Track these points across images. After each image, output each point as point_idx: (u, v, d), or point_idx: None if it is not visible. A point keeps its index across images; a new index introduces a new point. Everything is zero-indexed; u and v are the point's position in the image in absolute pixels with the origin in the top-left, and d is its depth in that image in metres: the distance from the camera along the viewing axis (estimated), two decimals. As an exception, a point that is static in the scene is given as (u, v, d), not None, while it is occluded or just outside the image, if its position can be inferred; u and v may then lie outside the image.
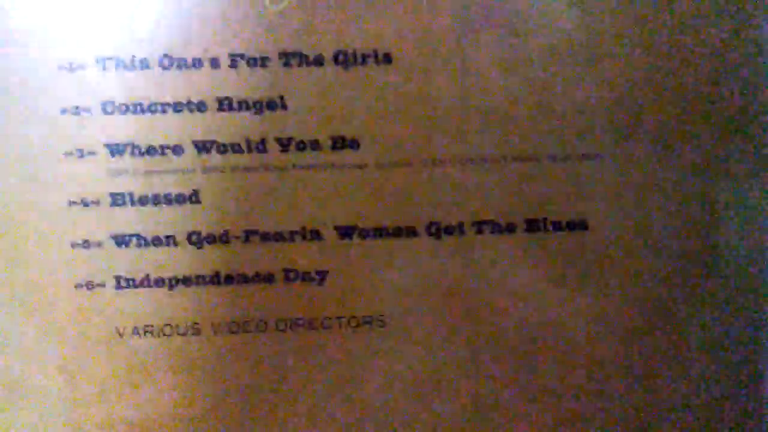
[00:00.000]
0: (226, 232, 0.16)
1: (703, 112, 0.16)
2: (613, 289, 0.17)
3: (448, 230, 0.16)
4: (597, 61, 0.16)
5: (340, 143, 0.16)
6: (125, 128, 0.16)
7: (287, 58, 0.16)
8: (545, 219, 0.16)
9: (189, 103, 0.16)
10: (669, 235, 0.17)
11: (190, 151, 0.16)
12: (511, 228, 0.16)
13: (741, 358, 0.17)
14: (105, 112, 0.16)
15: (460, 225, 0.16)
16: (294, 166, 0.16)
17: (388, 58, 0.16)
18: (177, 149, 0.16)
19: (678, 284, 0.17)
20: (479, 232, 0.16)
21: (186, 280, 0.16)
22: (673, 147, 0.16)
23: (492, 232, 0.16)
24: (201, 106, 0.16)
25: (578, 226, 0.16)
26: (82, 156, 0.16)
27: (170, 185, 0.16)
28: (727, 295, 0.17)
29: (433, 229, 0.16)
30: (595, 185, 0.16)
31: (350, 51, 0.16)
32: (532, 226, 0.16)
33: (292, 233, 0.16)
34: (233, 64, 0.16)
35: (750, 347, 0.17)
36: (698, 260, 0.17)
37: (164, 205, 0.16)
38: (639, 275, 0.17)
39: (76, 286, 0.16)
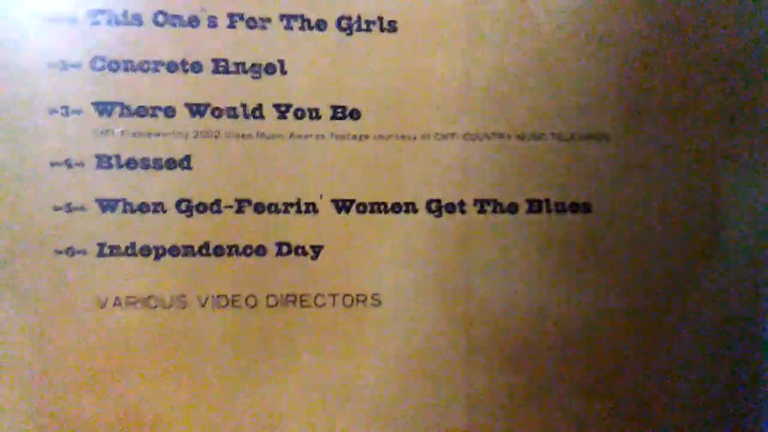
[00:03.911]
0: (217, 201, 0.15)
1: (711, 98, 0.16)
2: (614, 274, 0.16)
3: (449, 208, 0.16)
4: (605, 39, 0.16)
5: (340, 113, 0.15)
6: (114, 86, 0.15)
7: (289, 20, 0.15)
8: (548, 200, 0.16)
9: (183, 63, 0.15)
10: (672, 221, 0.16)
11: (182, 113, 0.15)
12: (513, 208, 0.16)
13: (740, 346, 0.17)
14: (94, 68, 0.15)
15: (461, 203, 0.16)
16: (291, 134, 0.15)
17: (393, 26, 0.15)
18: (168, 111, 0.15)
19: (679, 270, 0.16)
20: (481, 211, 0.16)
21: (173, 250, 0.15)
22: (680, 131, 0.16)
23: (494, 212, 0.16)
24: (196, 67, 0.15)
25: (581, 208, 0.16)
26: (67, 114, 0.15)
27: (160, 149, 0.15)
28: (728, 281, 0.17)
29: (433, 206, 0.16)
30: (599, 167, 0.16)
31: (354, 16, 0.15)
32: (534, 206, 0.16)
33: (287, 205, 0.15)
34: (232, 24, 0.15)
35: (749, 334, 0.17)
36: (700, 247, 0.16)
37: (153, 170, 0.15)
38: (641, 260, 0.16)
39: (56, 252, 0.15)
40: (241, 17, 0.15)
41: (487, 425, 0.16)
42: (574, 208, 0.16)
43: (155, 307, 0.15)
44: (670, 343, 0.17)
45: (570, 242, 0.16)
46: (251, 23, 0.15)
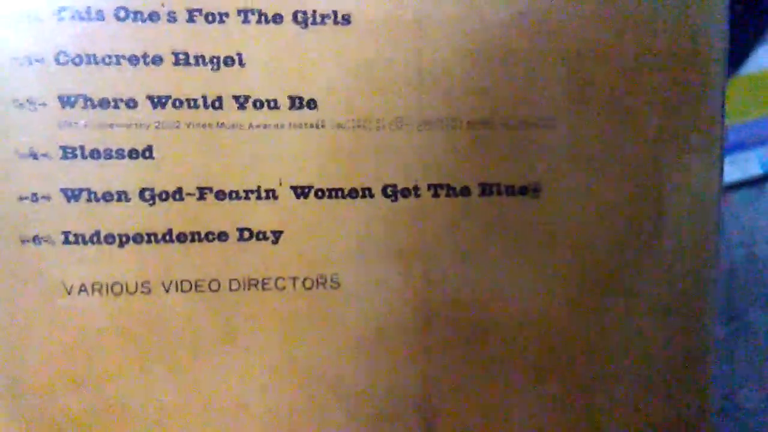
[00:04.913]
0: (179, 190, 0.16)
1: (657, 86, 0.17)
2: (563, 255, 0.17)
3: (404, 192, 0.16)
4: (551, 30, 0.16)
5: (297, 103, 0.16)
6: (78, 80, 0.15)
7: (246, 14, 0.16)
8: (498, 184, 0.17)
9: (144, 56, 0.15)
10: (619, 203, 0.17)
11: (144, 105, 0.16)
12: (465, 192, 0.17)
13: (687, 324, 0.18)
14: (58, 62, 0.15)
15: (416, 188, 0.16)
16: (250, 124, 0.16)
17: (347, 19, 0.16)
18: (130, 103, 0.16)
19: (627, 251, 0.17)
20: (435, 195, 0.17)
21: (137, 238, 0.16)
22: (625, 118, 0.17)
23: (447, 195, 0.17)
24: (156, 60, 0.15)
25: (531, 191, 0.17)
26: (32, 107, 0.15)
27: (123, 139, 0.16)
28: (674, 263, 0.17)
29: (389, 191, 0.16)
30: (547, 152, 0.17)
31: (310, 11, 0.16)
32: (485, 190, 0.17)
33: (248, 192, 0.16)
34: (191, 19, 0.15)
35: (695, 313, 0.18)
36: (647, 229, 0.17)
37: (116, 160, 0.16)
38: (589, 241, 0.17)
39: (22, 241, 0.16)
40: (200, 12, 0.16)
41: (444, 404, 0.17)
42: (524, 191, 0.17)
43: (120, 293, 0.16)
44: (620, 323, 0.17)
45: (521, 224, 0.17)
46: (209, 18, 0.16)
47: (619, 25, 0.17)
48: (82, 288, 0.16)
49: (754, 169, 0.41)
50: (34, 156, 0.15)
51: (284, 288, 0.16)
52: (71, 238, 0.16)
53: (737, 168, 0.41)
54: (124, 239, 0.16)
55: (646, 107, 0.17)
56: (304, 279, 0.16)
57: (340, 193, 0.16)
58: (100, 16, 0.15)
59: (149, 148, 0.16)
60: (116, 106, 0.16)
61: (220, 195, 0.16)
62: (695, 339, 0.18)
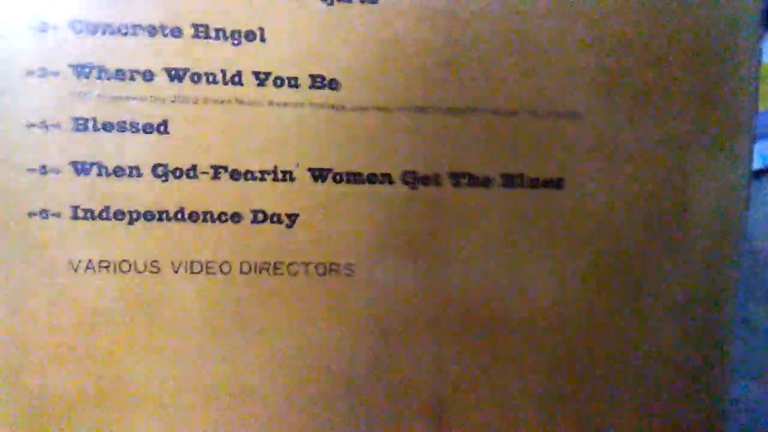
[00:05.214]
0: (194, 167, 0.15)
1: (684, 79, 0.17)
2: (584, 249, 0.17)
3: (424, 180, 0.16)
4: (581, 20, 0.16)
5: (319, 82, 0.15)
6: (93, 49, 0.15)
7: (269, -12, 0.15)
8: (521, 175, 0.16)
9: (163, 27, 0.15)
10: (642, 200, 0.17)
11: (160, 77, 0.15)
12: (487, 182, 0.16)
13: (705, 325, 0.17)
14: (73, 30, 0.15)
15: (437, 176, 0.16)
16: (270, 102, 0.15)
17: (373, -2, 0.15)
18: (147, 75, 0.15)
19: (649, 249, 0.17)
20: (456, 184, 0.16)
21: (148, 215, 0.15)
22: (651, 112, 0.16)
23: (469, 185, 0.16)
24: (175, 32, 0.15)
25: (554, 184, 0.16)
26: (44, 76, 0.15)
27: (137, 113, 0.15)
28: (697, 262, 0.17)
29: (409, 178, 0.16)
30: (572, 144, 0.16)
31: (335, -13, 0.15)
32: (508, 181, 0.16)
33: (263, 172, 0.16)
34: (212, -10, 0.15)
35: (714, 310, 0.17)
36: (670, 227, 0.17)
37: (130, 133, 0.15)
38: (610, 237, 0.17)
39: (29, 214, 0.15)
40: (222, -16, 0.15)
41: (454, 395, 0.16)
42: (547, 183, 0.16)
43: (128, 271, 0.15)
44: (636, 321, 0.17)
45: (542, 217, 0.16)
46: (232, -10, 0.15)
47: (649, 18, 0.16)
48: (89, 265, 0.15)
49: (755, 163, 0.40)
50: (45, 127, 0.15)
51: (296, 273, 0.16)
52: (80, 213, 0.15)
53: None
54: (134, 216, 0.15)
55: (674, 101, 0.17)
56: (318, 265, 0.16)
57: (358, 178, 0.16)
58: (119, -17, 0.15)
59: (164, 123, 0.15)
60: (132, 78, 0.15)
61: (235, 174, 0.15)
62: (713, 341, 0.17)
